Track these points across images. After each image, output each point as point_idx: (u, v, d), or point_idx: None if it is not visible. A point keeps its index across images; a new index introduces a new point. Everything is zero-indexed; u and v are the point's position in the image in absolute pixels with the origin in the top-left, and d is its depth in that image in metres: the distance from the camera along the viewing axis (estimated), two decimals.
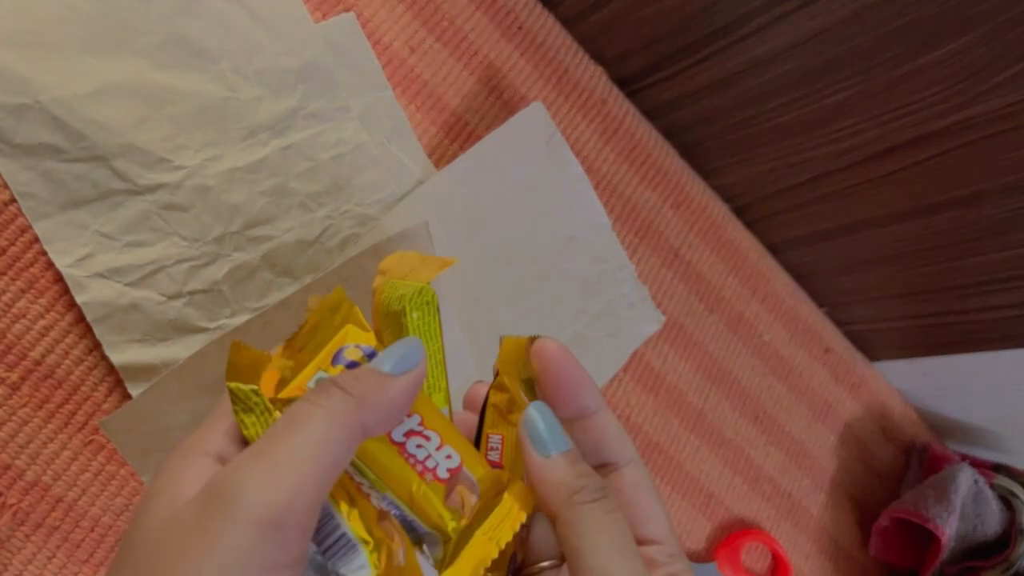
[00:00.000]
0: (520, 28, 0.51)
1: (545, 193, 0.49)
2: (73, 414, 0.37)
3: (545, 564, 0.25)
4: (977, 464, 0.65)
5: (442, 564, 0.23)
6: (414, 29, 0.47)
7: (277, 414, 0.22)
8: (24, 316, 0.36)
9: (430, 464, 0.23)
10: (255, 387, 0.22)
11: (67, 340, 0.37)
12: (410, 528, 0.23)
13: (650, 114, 0.57)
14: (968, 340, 0.62)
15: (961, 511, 0.59)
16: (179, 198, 0.38)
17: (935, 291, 0.59)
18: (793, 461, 0.64)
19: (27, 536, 0.36)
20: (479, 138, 0.47)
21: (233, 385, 0.22)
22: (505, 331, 0.28)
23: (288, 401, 0.23)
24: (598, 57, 0.55)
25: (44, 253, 0.36)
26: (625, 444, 0.25)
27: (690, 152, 0.59)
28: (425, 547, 0.24)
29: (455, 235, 0.45)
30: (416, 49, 0.47)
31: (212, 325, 0.39)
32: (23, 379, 0.36)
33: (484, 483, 0.24)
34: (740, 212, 0.62)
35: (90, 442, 0.37)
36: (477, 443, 0.27)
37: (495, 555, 0.23)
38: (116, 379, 0.37)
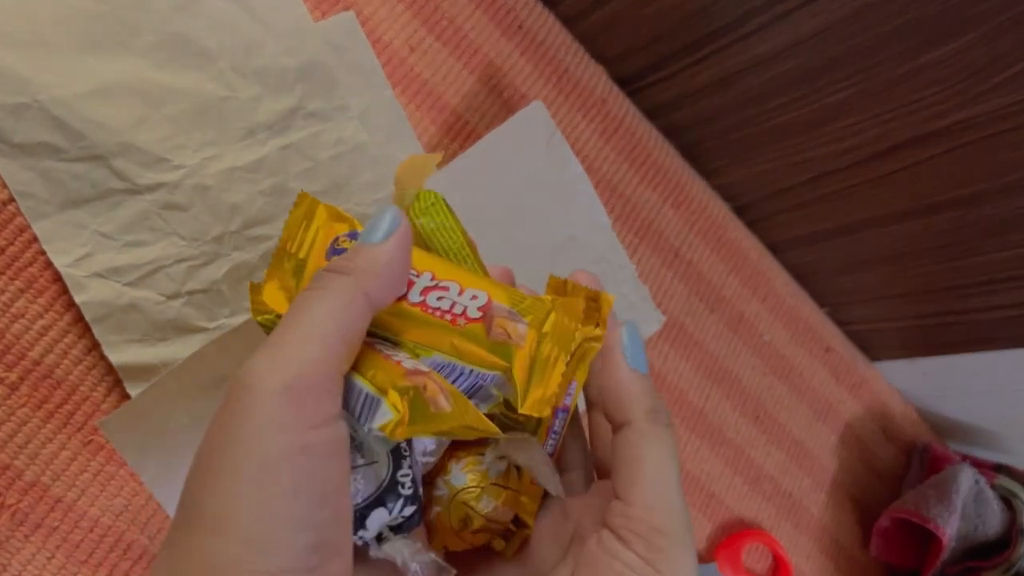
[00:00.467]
0: (520, 27, 0.51)
1: (545, 192, 0.49)
2: (72, 414, 0.37)
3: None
4: (978, 464, 0.65)
5: (516, 396, 0.23)
6: (414, 28, 0.47)
7: None
8: (23, 316, 0.36)
9: (457, 310, 0.23)
10: (277, 313, 0.23)
11: (66, 340, 0.37)
12: (475, 386, 0.23)
13: (650, 113, 0.57)
14: (968, 340, 0.62)
15: (962, 511, 0.59)
16: (178, 198, 0.38)
17: (935, 291, 0.59)
18: (794, 461, 0.64)
19: (26, 536, 0.36)
20: (479, 137, 0.47)
21: (260, 318, 0.24)
22: None
23: None
24: (598, 56, 0.55)
25: (43, 252, 0.36)
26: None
27: (690, 151, 0.59)
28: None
29: None
30: (416, 48, 0.47)
31: (211, 325, 0.39)
32: (22, 379, 0.36)
33: (531, 311, 0.24)
34: (740, 212, 0.62)
35: (89, 442, 0.37)
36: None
37: (563, 369, 0.23)
38: (115, 379, 0.37)
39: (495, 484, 0.24)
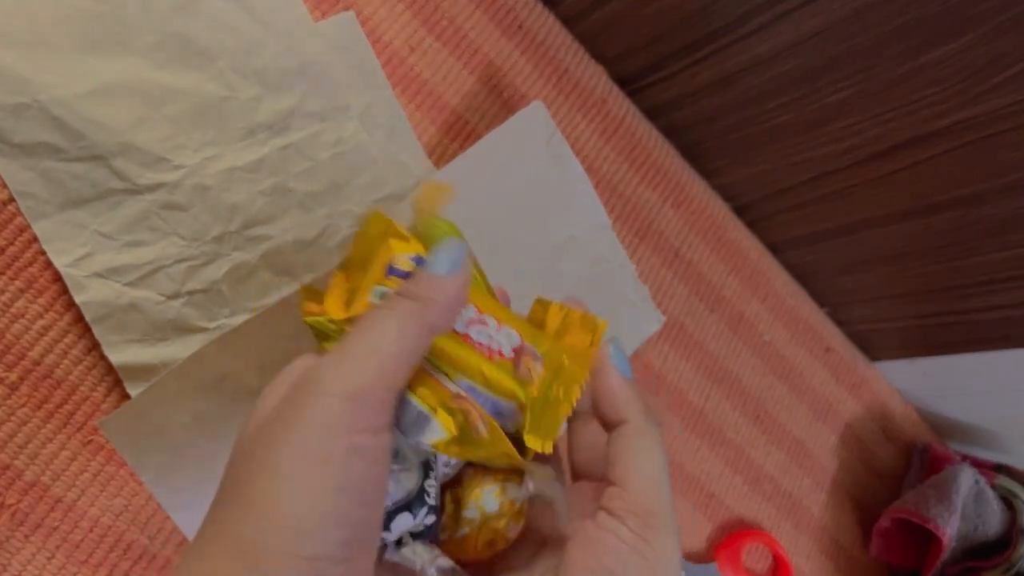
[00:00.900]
0: (520, 27, 0.51)
1: (545, 192, 0.49)
2: (72, 414, 0.37)
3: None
4: (978, 464, 0.65)
5: (526, 427, 0.25)
6: (414, 28, 0.47)
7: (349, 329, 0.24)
8: (23, 316, 0.36)
9: (495, 346, 0.26)
10: (328, 317, 0.25)
11: (66, 340, 0.37)
12: (496, 412, 0.25)
13: (650, 113, 0.57)
14: (968, 340, 0.62)
15: (962, 511, 0.59)
16: (178, 197, 0.38)
17: (935, 291, 0.59)
18: (794, 461, 0.64)
19: (26, 536, 0.36)
20: (479, 137, 0.47)
21: (310, 320, 0.26)
22: None
23: (355, 319, 0.25)
24: (598, 56, 0.55)
25: (43, 252, 0.36)
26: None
27: (690, 151, 0.59)
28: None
29: None
30: (416, 48, 0.47)
31: (211, 325, 0.39)
32: (22, 379, 0.36)
33: (548, 355, 0.27)
34: (740, 212, 0.62)
35: (89, 442, 0.37)
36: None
37: (568, 412, 0.26)
38: (115, 379, 0.37)
39: (519, 511, 0.27)
